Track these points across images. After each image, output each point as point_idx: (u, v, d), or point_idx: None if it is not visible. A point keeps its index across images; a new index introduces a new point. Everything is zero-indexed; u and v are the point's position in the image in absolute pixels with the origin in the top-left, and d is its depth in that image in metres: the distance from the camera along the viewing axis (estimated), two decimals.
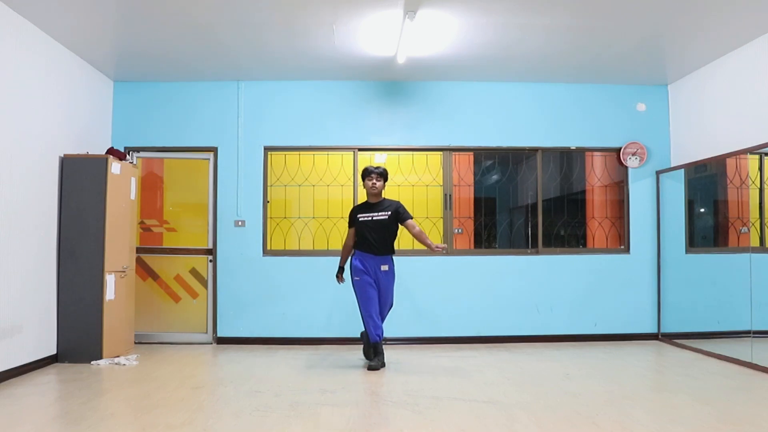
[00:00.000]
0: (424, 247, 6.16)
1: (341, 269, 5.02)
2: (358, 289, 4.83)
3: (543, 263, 6.22)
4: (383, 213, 4.85)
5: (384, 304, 4.89)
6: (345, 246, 5.08)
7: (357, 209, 5.01)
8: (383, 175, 4.94)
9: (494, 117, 6.29)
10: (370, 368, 4.75)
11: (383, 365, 4.83)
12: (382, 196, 5.00)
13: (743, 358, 4.92)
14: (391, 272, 4.89)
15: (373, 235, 4.81)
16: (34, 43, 4.72)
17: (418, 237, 4.85)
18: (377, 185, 4.89)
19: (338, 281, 5.05)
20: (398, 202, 4.97)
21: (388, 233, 4.87)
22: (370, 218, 4.86)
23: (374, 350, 4.88)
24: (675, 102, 6.30)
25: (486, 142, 6.29)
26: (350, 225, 5.00)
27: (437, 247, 4.66)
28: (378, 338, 4.83)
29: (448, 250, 6.22)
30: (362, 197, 5.68)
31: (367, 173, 4.93)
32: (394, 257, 4.95)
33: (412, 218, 4.92)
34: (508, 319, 6.14)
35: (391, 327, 5.67)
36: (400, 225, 4.92)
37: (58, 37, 4.98)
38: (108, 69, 5.83)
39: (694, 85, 5.93)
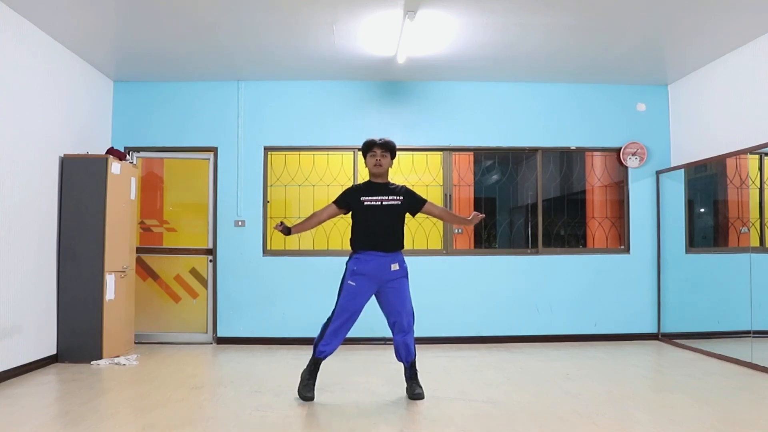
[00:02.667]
0: (424, 247, 6.25)
1: (288, 229, 3.82)
2: (345, 295, 3.77)
3: (543, 263, 6.22)
4: (395, 197, 3.83)
5: (400, 312, 3.79)
6: (314, 215, 3.92)
7: (358, 190, 3.90)
8: (390, 148, 3.90)
9: (494, 117, 6.29)
10: (304, 398, 3.80)
11: (312, 397, 3.80)
12: (388, 178, 3.97)
13: (743, 358, 4.92)
14: (403, 271, 3.82)
15: (383, 225, 3.77)
16: (34, 43, 4.72)
17: (448, 217, 4.09)
18: (382, 163, 3.84)
19: (277, 226, 3.78)
20: (405, 186, 4.01)
21: (400, 223, 3.87)
22: (379, 203, 3.81)
23: (312, 368, 3.85)
24: (675, 102, 6.30)
25: (486, 142, 6.29)
26: (340, 204, 3.90)
27: (477, 216, 3.81)
28: (323, 354, 3.81)
29: (448, 250, 6.22)
30: None
31: (368, 147, 3.88)
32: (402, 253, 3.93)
33: (427, 201, 3.96)
34: (508, 319, 6.14)
35: None
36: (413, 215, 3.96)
37: (58, 37, 4.98)
38: (108, 69, 5.83)
39: (694, 85, 5.93)
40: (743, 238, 5.36)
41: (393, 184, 3.96)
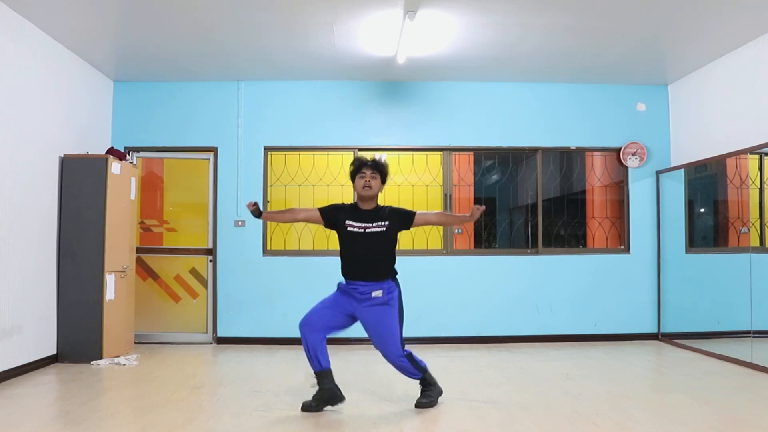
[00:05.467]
0: (424, 247, 6.25)
1: (259, 212, 3.56)
2: (323, 300, 3.66)
3: (543, 263, 6.22)
4: (380, 223, 3.56)
5: (380, 341, 3.57)
6: (291, 210, 3.86)
7: (344, 210, 3.67)
8: (381, 170, 3.62)
9: (494, 117, 6.29)
10: (303, 408, 3.57)
11: (314, 407, 3.54)
12: (377, 201, 3.69)
13: (743, 358, 4.92)
14: (385, 298, 3.53)
15: (366, 255, 3.54)
16: (34, 43, 4.72)
17: (447, 219, 4.01)
18: (372, 185, 3.57)
19: (249, 204, 3.55)
20: (394, 207, 3.74)
21: (386, 252, 3.60)
22: (362, 230, 3.55)
23: (317, 383, 3.58)
24: (675, 102, 6.30)
25: (486, 142, 6.29)
26: (324, 214, 3.65)
27: (477, 210, 3.62)
28: (317, 364, 3.53)
29: (448, 250, 6.22)
30: None
31: (358, 168, 3.61)
32: (397, 279, 3.66)
33: (416, 213, 3.68)
34: (508, 319, 6.13)
35: None
36: (408, 230, 3.73)
37: (58, 37, 4.98)
38: (108, 69, 5.83)
39: (694, 85, 5.93)
40: (743, 238, 5.36)
41: (382, 209, 3.66)
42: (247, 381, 4.39)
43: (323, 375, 3.55)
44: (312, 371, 3.60)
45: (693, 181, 6.02)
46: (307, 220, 3.76)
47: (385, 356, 3.60)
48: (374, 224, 3.57)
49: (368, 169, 3.59)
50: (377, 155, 3.79)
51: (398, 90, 6.28)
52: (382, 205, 3.71)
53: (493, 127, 6.29)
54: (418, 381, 3.71)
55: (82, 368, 4.81)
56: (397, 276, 3.67)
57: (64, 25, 4.74)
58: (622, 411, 3.59)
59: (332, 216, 3.66)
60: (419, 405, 3.63)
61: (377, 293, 3.53)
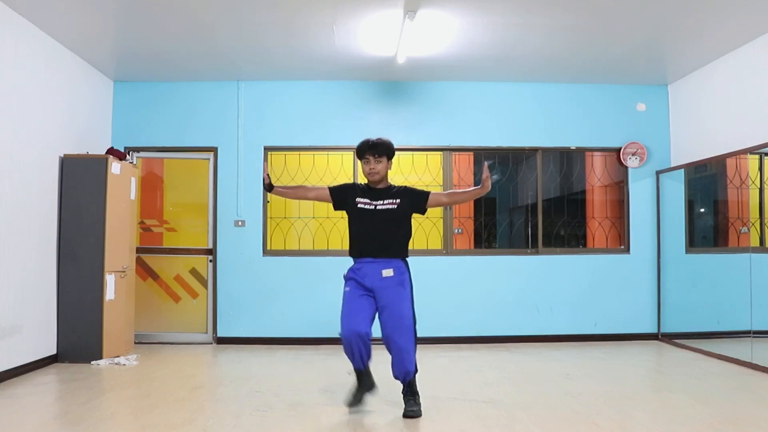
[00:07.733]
0: (424, 247, 6.25)
1: (271, 186, 3.57)
2: (343, 303, 3.48)
3: (543, 263, 6.22)
4: (391, 201, 3.51)
5: (392, 324, 3.40)
6: (302, 187, 3.91)
7: (356, 189, 3.62)
8: (386, 150, 3.54)
9: (494, 117, 6.29)
10: (349, 404, 3.57)
11: (360, 400, 3.55)
12: (388, 181, 3.64)
13: (743, 358, 4.92)
14: (398, 278, 3.45)
15: (374, 231, 3.47)
16: (34, 43, 4.72)
17: (461, 197, 3.91)
18: (378, 170, 3.52)
19: (265, 176, 3.57)
20: (408, 187, 3.67)
21: (397, 230, 3.52)
22: (372, 207, 3.50)
23: (357, 379, 3.55)
24: (675, 102, 6.30)
25: (486, 142, 6.29)
26: (334, 193, 3.63)
27: (488, 178, 3.64)
28: (362, 364, 3.47)
29: (448, 250, 6.23)
30: None
31: (361, 153, 3.55)
32: (407, 262, 3.58)
33: (430, 193, 3.61)
34: (508, 319, 6.13)
35: None
36: (423, 213, 3.65)
37: (58, 37, 4.98)
38: (108, 69, 5.83)
39: (694, 85, 5.93)
40: (743, 238, 5.37)
41: (395, 187, 3.62)
42: (247, 381, 4.39)
43: (366, 373, 3.54)
44: (353, 369, 3.54)
45: (693, 181, 6.02)
46: (317, 199, 3.75)
47: (394, 339, 3.41)
48: (385, 201, 3.51)
49: (371, 154, 3.52)
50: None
51: (398, 90, 6.28)
52: (396, 184, 3.66)
53: (493, 128, 6.29)
54: (407, 383, 3.49)
55: (82, 368, 4.81)
56: (407, 259, 3.59)
57: (64, 25, 4.74)
58: (622, 411, 3.59)
59: (342, 195, 3.63)
60: (410, 415, 3.42)
61: (388, 272, 3.45)
